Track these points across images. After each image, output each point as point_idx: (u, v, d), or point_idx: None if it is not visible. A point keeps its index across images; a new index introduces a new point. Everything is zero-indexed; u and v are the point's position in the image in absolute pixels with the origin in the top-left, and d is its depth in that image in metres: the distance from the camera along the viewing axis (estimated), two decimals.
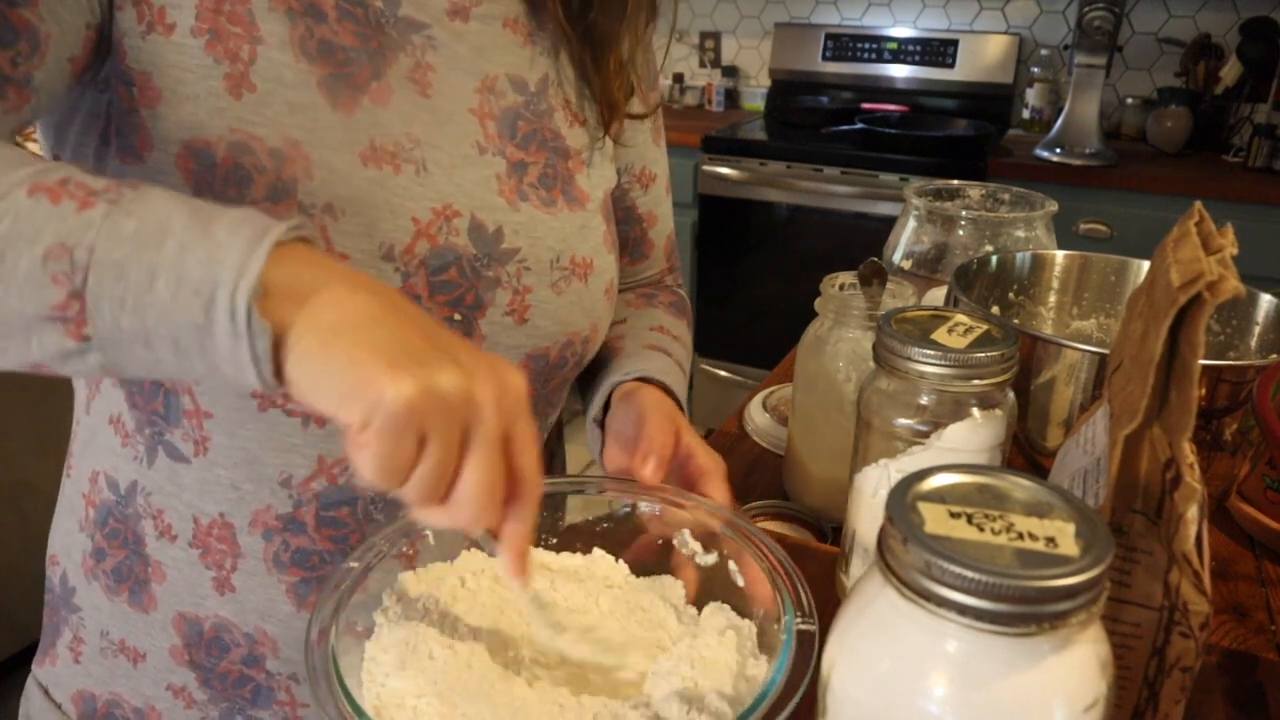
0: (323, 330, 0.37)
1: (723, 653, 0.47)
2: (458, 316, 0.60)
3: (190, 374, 0.40)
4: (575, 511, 0.58)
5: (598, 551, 0.56)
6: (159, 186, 0.41)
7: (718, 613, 0.51)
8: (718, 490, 0.58)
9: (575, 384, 0.76)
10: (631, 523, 0.57)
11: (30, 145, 0.55)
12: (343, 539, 0.61)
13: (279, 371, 0.38)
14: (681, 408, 0.68)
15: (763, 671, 0.47)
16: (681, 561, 0.56)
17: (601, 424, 0.68)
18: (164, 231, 0.38)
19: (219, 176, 0.52)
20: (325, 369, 0.37)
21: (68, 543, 0.67)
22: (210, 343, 0.38)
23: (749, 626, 0.50)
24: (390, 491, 0.38)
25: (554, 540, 0.57)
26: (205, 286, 0.37)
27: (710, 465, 0.59)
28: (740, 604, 0.52)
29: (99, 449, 0.63)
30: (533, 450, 0.41)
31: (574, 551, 0.57)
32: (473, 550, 0.53)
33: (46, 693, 0.69)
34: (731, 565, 0.53)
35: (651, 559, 0.56)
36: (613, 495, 0.57)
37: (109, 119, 0.53)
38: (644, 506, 0.57)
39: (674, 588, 0.55)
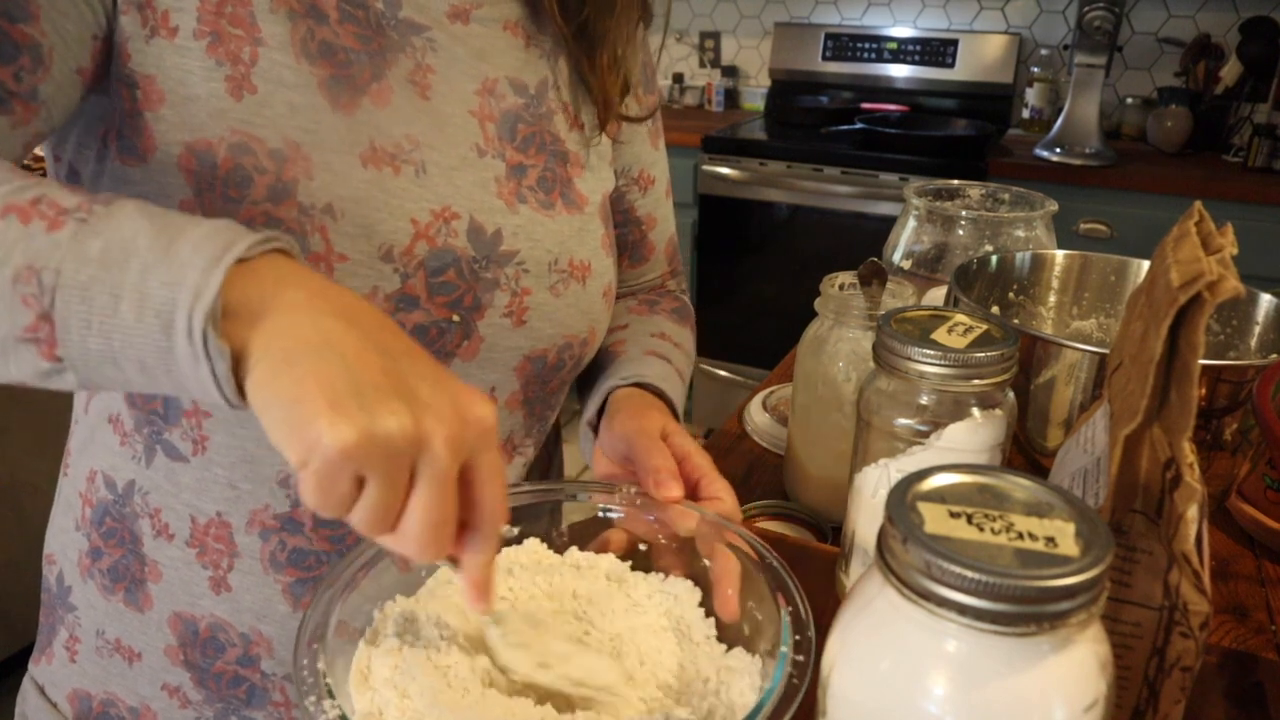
0: (275, 357, 0.37)
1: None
2: (456, 318, 0.60)
3: (160, 391, 0.40)
4: (572, 516, 0.58)
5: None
6: (132, 200, 0.41)
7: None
8: (722, 489, 0.57)
9: (574, 386, 0.76)
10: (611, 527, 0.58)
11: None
12: (339, 539, 0.61)
13: (242, 391, 0.38)
14: (676, 414, 0.67)
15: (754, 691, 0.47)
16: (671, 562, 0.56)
17: (595, 427, 0.68)
18: (128, 252, 0.38)
19: (220, 178, 0.52)
20: (272, 401, 0.36)
21: (64, 541, 0.67)
22: (174, 364, 0.38)
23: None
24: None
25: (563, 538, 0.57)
26: (165, 309, 0.37)
27: (705, 464, 0.59)
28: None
29: (97, 448, 0.63)
30: (496, 482, 0.40)
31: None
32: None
33: (42, 691, 0.69)
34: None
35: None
36: (604, 502, 0.57)
37: (110, 121, 0.53)
38: (631, 512, 0.57)
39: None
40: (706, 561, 0.54)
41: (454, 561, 0.42)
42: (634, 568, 0.56)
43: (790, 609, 0.47)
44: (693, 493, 0.57)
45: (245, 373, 0.37)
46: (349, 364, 0.36)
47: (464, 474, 0.39)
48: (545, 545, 0.56)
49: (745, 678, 0.47)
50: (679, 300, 0.84)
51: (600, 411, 0.68)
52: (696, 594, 0.54)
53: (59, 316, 0.38)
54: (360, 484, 0.36)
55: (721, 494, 0.57)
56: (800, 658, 0.44)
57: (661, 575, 0.55)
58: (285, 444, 0.36)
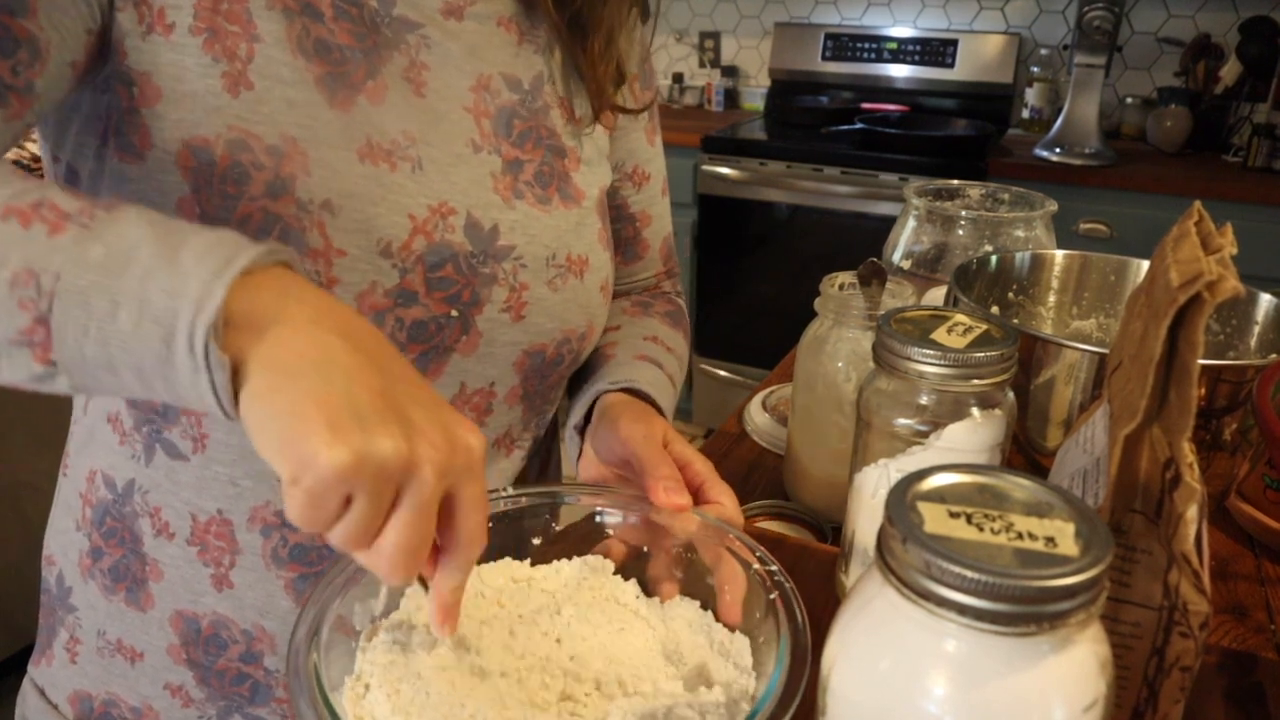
0: (275, 371, 0.37)
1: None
2: (454, 313, 0.60)
3: (156, 398, 0.40)
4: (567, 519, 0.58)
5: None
6: (134, 206, 0.41)
7: (699, 632, 0.51)
8: (723, 493, 0.58)
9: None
10: (608, 531, 0.58)
11: (30, 145, 0.55)
12: None
13: (239, 402, 0.38)
14: (666, 419, 0.67)
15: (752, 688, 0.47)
16: (660, 572, 0.56)
17: (582, 431, 0.68)
18: (130, 259, 0.38)
19: (217, 174, 0.52)
20: (269, 414, 0.36)
21: (64, 542, 0.67)
22: (172, 373, 0.38)
23: (734, 641, 0.50)
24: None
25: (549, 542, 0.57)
26: (166, 317, 0.37)
27: (707, 471, 0.59)
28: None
29: (96, 448, 0.63)
30: (478, 512, 0.40)
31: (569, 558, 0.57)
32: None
33: (43, 693, 0.69)
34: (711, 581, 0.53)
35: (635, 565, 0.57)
36: (605, 505, 0.57)
37: (108, 118, 0.53)
38: (629, 516, 0.57)
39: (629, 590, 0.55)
40: (709, 578, 0.54)
41: (423, 583, 0.42)
42: (629, 575, 0.56)
43: (788, 615, 0.47)
44: (695, 498, 0.57)
45: (241, 384, 0.37)
46: (348, 383, 0.36)
47: (447, 501, 0.39)
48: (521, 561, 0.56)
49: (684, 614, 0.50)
50: (673, 303, 0.84)
51: (588, 415, 0.68)
52: (608, 564, 0.56)
53: (56, 321, 0.38)
54: (346, 502, 0.36)
55: (722, 498, 0.57)
56: (796, 662, 0.44)
57: (566, 559, 0.56)
58: (278, 458, 0.36)
